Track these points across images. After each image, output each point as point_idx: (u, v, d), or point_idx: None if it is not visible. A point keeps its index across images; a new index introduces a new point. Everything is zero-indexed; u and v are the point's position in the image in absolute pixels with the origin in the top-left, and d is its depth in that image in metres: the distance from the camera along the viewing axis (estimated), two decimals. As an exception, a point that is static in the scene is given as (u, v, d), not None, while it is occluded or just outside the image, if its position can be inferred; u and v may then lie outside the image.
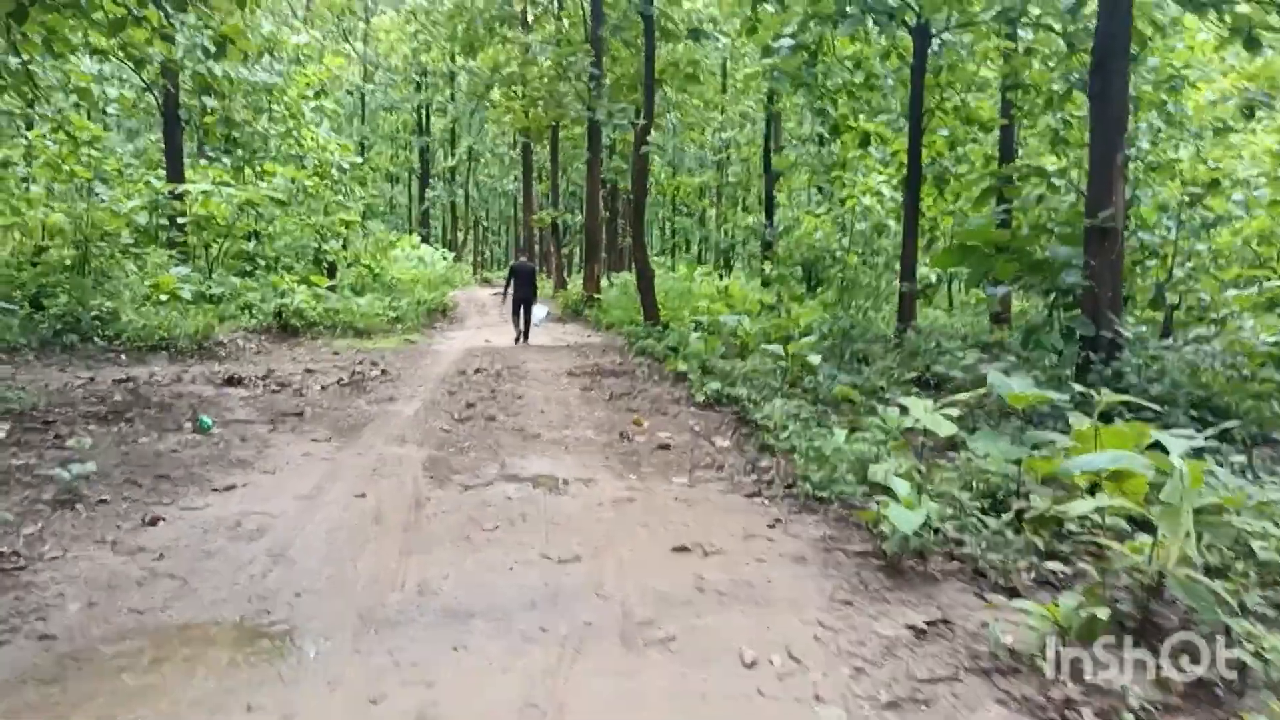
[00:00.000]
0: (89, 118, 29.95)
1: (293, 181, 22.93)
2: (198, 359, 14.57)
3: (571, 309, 25.35)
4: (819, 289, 28.63)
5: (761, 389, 10.48)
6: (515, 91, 22.38)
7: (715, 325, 15.40)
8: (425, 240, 54.10)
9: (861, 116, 23.19)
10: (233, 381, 12.08)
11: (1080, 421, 6.08)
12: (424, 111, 53.96)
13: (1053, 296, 11.79)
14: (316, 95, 30.41)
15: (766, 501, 6.38)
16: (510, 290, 18.57)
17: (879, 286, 26.68)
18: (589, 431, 8.98)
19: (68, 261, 16.28)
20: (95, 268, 16.43)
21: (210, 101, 19.98)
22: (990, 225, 12.23)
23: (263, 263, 22.22)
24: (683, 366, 13.02)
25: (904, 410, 7.11)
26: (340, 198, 28.33)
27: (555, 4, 24.79)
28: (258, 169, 22.77)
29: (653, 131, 27.53)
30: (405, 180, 64.39)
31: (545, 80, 20.49)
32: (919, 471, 6.03)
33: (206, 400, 10.44)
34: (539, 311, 19.34)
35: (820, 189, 50.04)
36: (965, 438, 6.55)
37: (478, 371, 13.37)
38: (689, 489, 6.76)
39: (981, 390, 6.66)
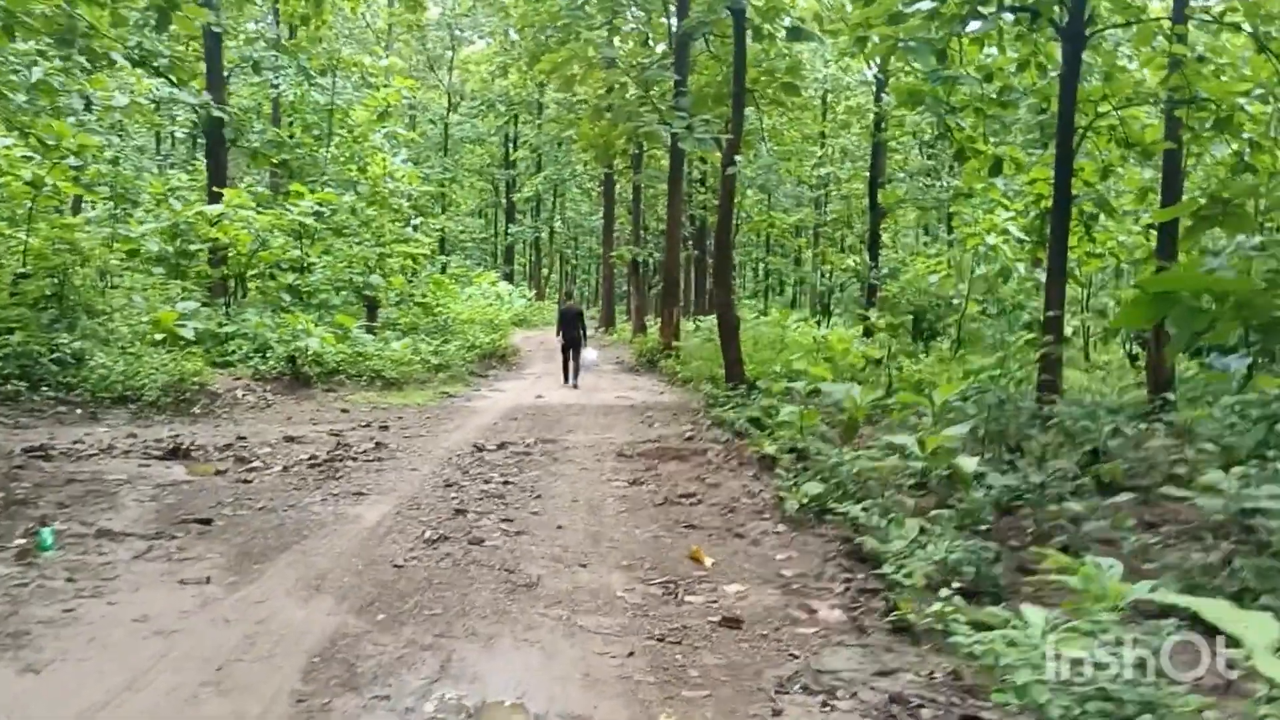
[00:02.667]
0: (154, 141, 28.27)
1: (322, 206, 20.38)
2: (169, 415, 11.82)
3: (645, 358, 22.22)
4: (931, 341, 25.01)
5: (884, 503, 7.15)
6: (582, 100, 19.41)
7: (814, 390, 12.13)
8: (508, 278, 51.85)
9: (993, 139, 19.79)
10: (177, 453, 9.25)
11: None
12: (510, 145, 51.78)
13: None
14: (380, 118, 28.16)
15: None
16: (560, 333, 17.82)
17: (1005, 341, 23.07)
18: (617, 575, 5.76)
19: (48, 292, 13.79)
20: (77, 301, 13.91)
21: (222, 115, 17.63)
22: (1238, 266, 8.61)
23: (290, 299, 19.55)
24: (770, 448, 9.75)
25: (1182, 610, 3.78)
26: (408, 229, 25.91)
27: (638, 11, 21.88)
28: (302, 193, 20.21)
29: (747, 158, 24.39)
30: (490, 216, 62.46)
31: (617, 87, 17.53)
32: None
33: (106, 488, 7.55)
34: (588, 354, 18.09)
35: (926, 228, 46.38)
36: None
37: (501, 447, 10.27)
38: (772, 767, 3.49)
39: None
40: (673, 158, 20.13)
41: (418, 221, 28.10)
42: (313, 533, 6.51)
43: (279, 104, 28.73)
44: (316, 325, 16.04)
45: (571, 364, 17.76)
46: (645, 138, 16.43)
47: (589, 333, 19.31)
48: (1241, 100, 13.83)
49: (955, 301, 23.63)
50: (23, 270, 13.96)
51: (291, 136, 26.14)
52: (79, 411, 11.52)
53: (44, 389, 11.78)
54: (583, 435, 11.49)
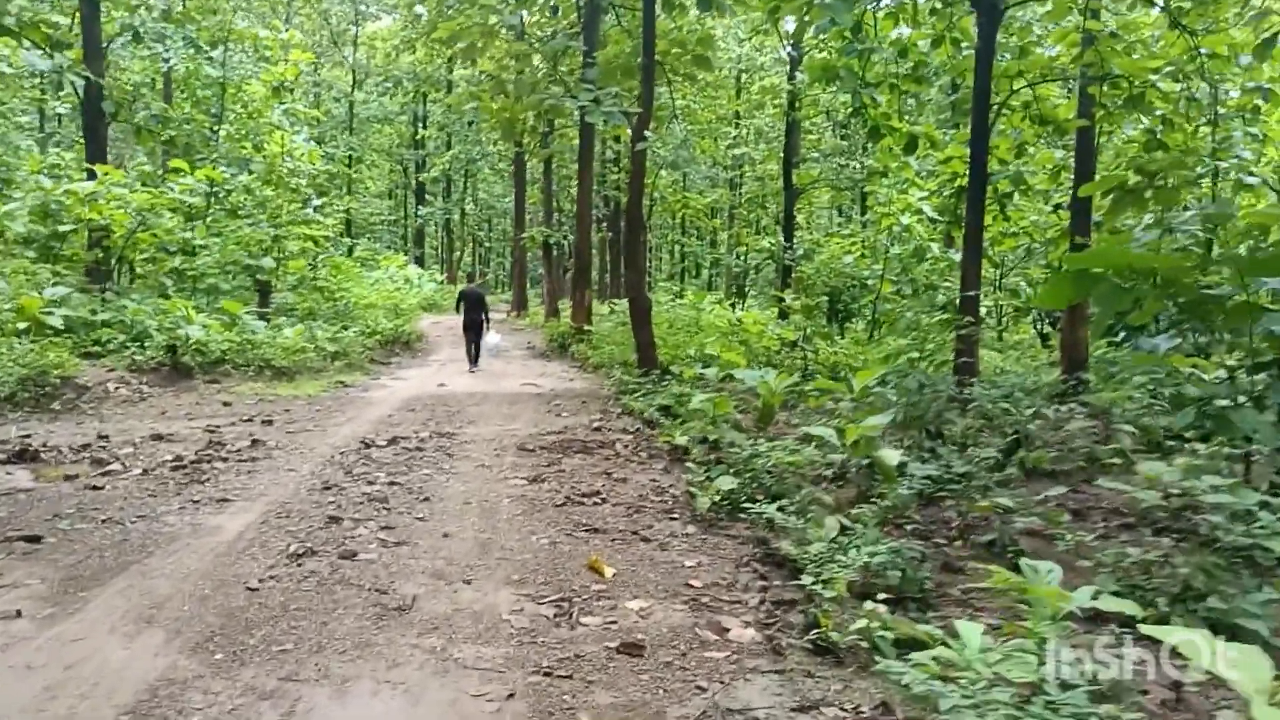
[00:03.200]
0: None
1: (210, 184, 19.27)
2: (25, 412, 10.75)
3: (557, 343, 21.51)
4: (846, 323, 24.79)
5: (802, 498, 6.62)
6: (491, 75, 18.40)
7: (727, 376, 11.60)
8: (419, 261, 50.50)
9: (908, 117, 19.58)
10: (24, 456, 8.29)
11: None
12: (419, 124, 50.30)
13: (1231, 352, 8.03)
14: (276, 93, 26.87)
15: None
16: (461, 316, 17.79)
17: (920, 322, 23.01)
18: (505, 593, 5.09)
19: (-109, 278, 12.54)
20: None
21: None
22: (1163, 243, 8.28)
23: (173, 283, 18.38)
24: (681, 439, 9.18)
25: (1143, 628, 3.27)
26: (308, 210, 24.72)
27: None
28: (183, 169, 19.00)
29: (659, 137, 23.73)
30: (400, 198, 60.85)
31: (521, 58, 16.62)
32: None
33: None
34: (491, 338, 18.28)
35: (840, 209, 46.44)
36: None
37: (392, 443, 9.50)
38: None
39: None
40: (582, 135, 19.39)
41: (319, 202, 26.91)
42: (160, 549, 5.70)
43: (170, 79, 27.32)
44: (199, 311, 14.97)
45: (474, 347, 17.76)
46: (551, 112, 15.67)
47: (492, 314, 19.13)
48: (1154, 77, 13.73)
49: (870, 282, 23.43)
50: None
51: (183, 112, 24.76)
52: (-81, 410, 10.42)
53: (-120, 386, 10.64)
54: (483, 427, 10.77)
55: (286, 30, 33.28)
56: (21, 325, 13.20)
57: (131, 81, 24.78)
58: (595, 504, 7.11)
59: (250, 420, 10.88)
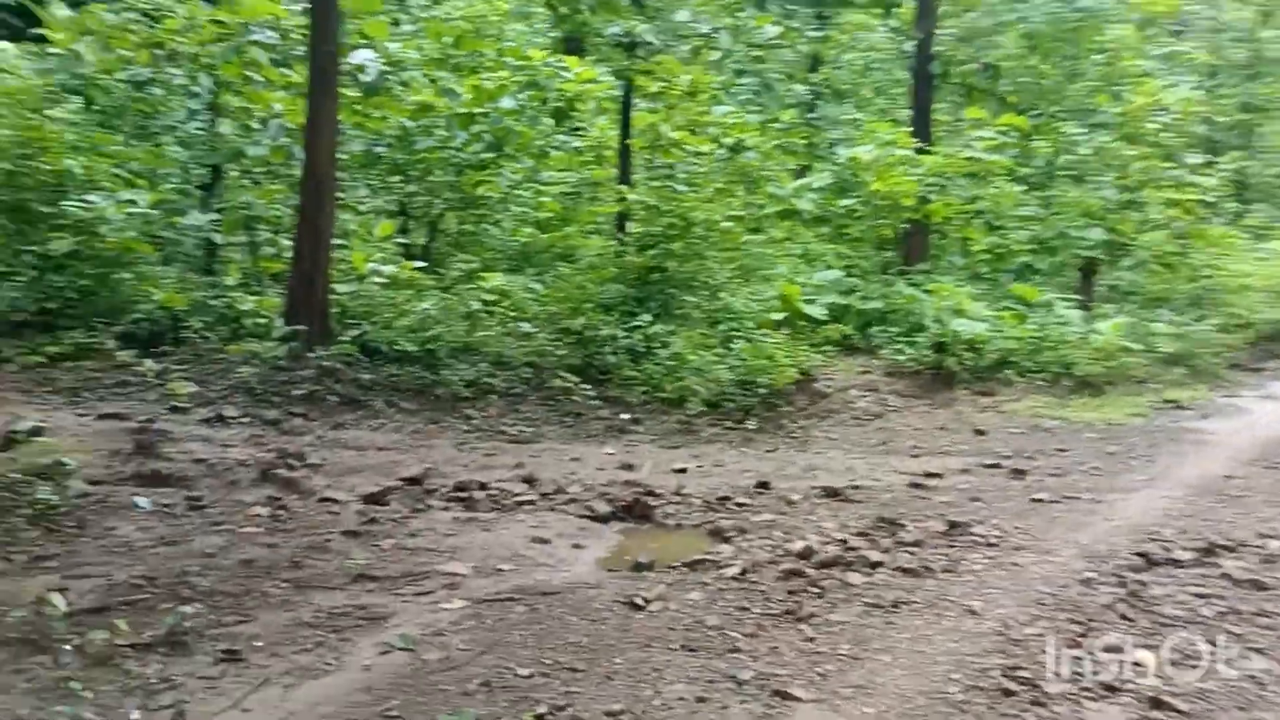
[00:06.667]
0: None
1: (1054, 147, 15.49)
2: (724, 428, 8.55)
3: None
4: None
5: None
6: None
7: None
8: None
9: None
10: (632, 511, 5.89)
11: None
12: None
13: None
14: (1142, 28, 22.05)
15: None
16: None
17: None
18: None
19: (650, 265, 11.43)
20: (676, 275, 11.32)
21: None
22: None
23: (983, 264, 15.19)
24: None
25: None
26: (1179, 170, 19.71)
27: None
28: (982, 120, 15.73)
29: None
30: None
31: None
32: None
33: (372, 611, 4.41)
34: None
35: None
36: None
37: (1204, 557, 4.85)
38: None
39: None
40: None
41: (1196, 161, 21.32)
42: None
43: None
44: (975, 299, 11.53)
45: None
46: None
47: None
48: None
49: None
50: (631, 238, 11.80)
51: (1026, 65, 21.47)
52: (624, 416, 8.84)
53: (607, 384, 9.29)
54: None
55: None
56: (777, 317, 11.27)
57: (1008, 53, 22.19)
58: None
59: (996, 466, 7.13)
